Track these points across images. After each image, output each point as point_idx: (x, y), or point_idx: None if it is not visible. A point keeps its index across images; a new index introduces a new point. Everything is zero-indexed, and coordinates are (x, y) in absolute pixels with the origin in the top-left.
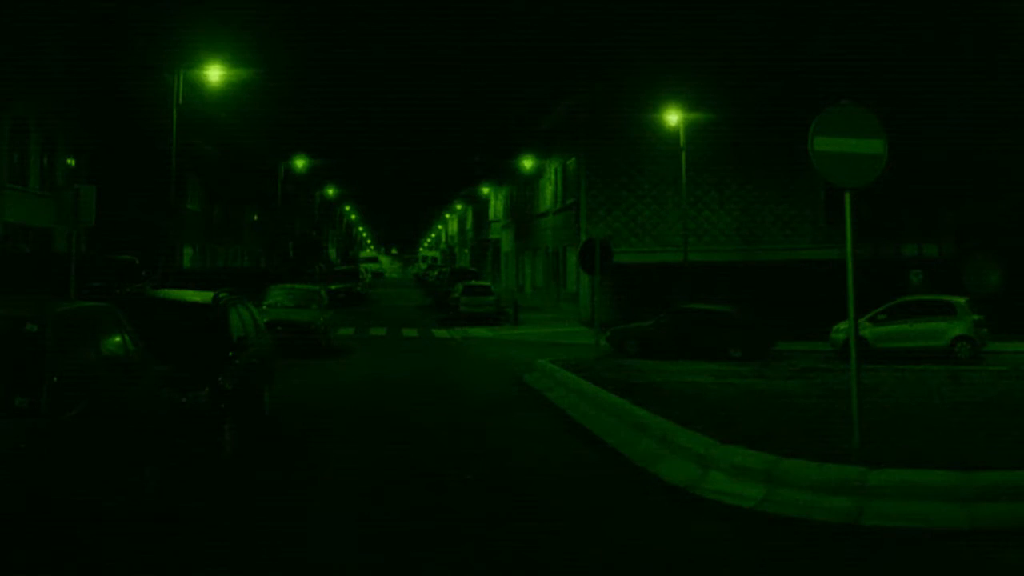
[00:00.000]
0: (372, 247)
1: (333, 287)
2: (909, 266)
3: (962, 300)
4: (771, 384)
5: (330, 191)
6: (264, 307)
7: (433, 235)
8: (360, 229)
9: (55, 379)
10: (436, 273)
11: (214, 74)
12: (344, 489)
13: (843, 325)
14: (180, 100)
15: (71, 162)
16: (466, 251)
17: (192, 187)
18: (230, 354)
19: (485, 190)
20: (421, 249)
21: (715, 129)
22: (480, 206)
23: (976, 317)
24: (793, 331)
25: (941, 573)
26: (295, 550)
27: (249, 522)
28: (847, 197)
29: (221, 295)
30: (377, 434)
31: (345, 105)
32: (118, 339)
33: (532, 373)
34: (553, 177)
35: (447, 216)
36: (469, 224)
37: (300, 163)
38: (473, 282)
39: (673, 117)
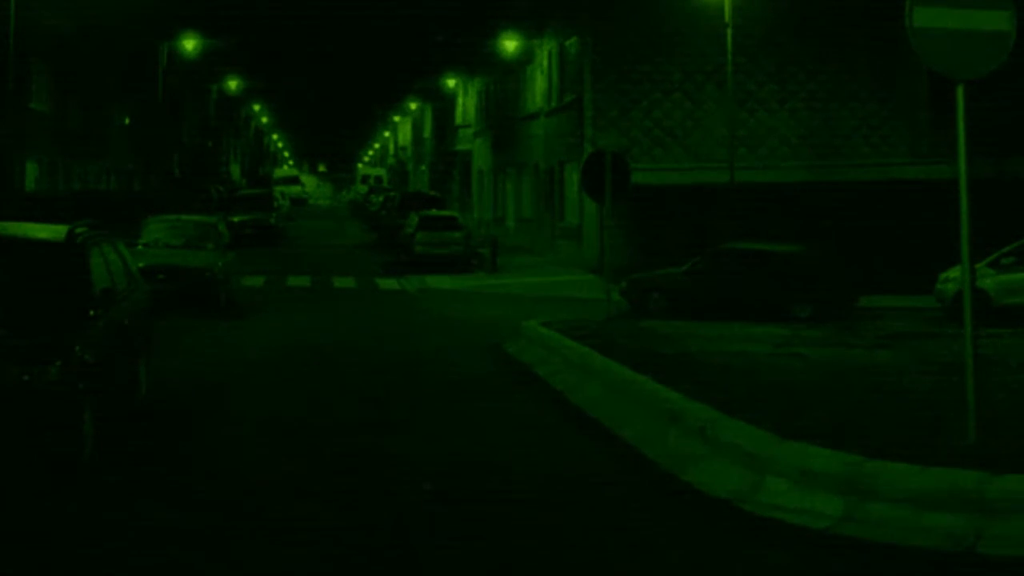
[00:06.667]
0: (291, 163)
1: (236, 219)
2: None
3: None
4: (852, 355)
5: (232, 84)
6: (139, 247)
7: (377, 146)
8: (275, 138)
9: None
10: (381, 199)
11: None
12: (258, 509)
13: (954, 272)
14: None
15: None
16: (424, 168)
17: (38, 78)
18: (91, 313)
19: (451, 83)
20: (360, 165)
21: None
22: (444, 105)
23: None
24: (884, 280)
25: None
26: None
27: None
28: (960, 92)
29: (79, 230)
30: (291, 430)
31: None
32: None
33: (516, 340)
34: (546, 64)
35: (396, 119)
36: (428, 131)
37: (190, 44)
38: (434, 212)
39: None
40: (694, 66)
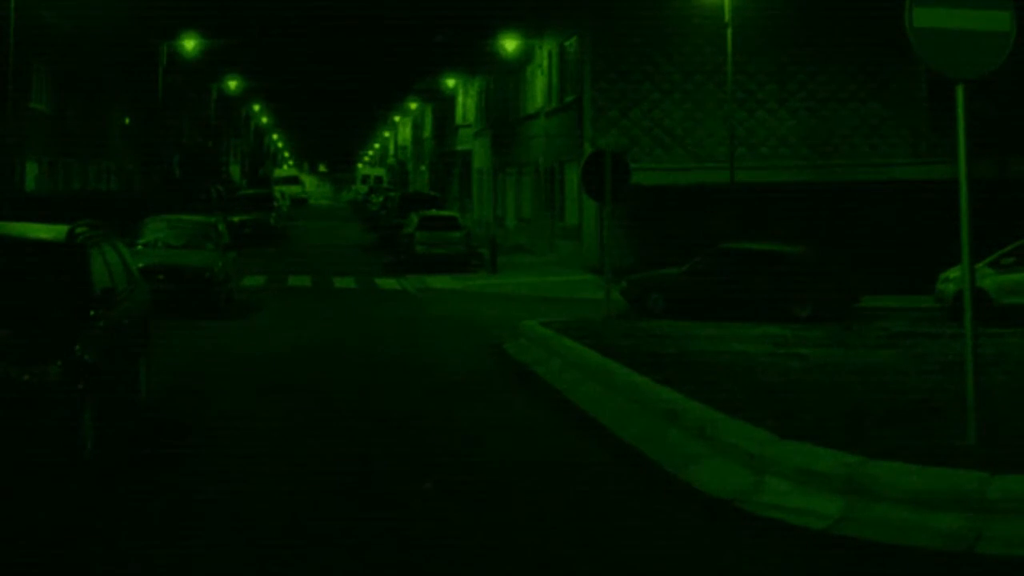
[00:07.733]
0: (291, 163)
1: (236, 219)
2: None
3: None
4: (852, 355)
5: (232, 84)
6: (139, 247)
7: (377, 146)
8: (275, 138)
9: None
10: (381, 199)
11: None
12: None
13: (954, 273)
14: None
15: None
16: (424, 168)
17: (38, 78)
18: (91, 313)
19: (451, 83)
20: (360, 165)
21: None
22: (444, 105)
23: None
24: (884, 280)
25: None
26: None
27: None
28: (959, 92)
29: (79, 230)
30: (294, 429)
31: None
32: None
33: (516, 340)
34: (546, 64)
35: (397, 120)
36: (428, 131)
37: (190, 44)
38: (433, 212)
39: None
40: (694, 66)
